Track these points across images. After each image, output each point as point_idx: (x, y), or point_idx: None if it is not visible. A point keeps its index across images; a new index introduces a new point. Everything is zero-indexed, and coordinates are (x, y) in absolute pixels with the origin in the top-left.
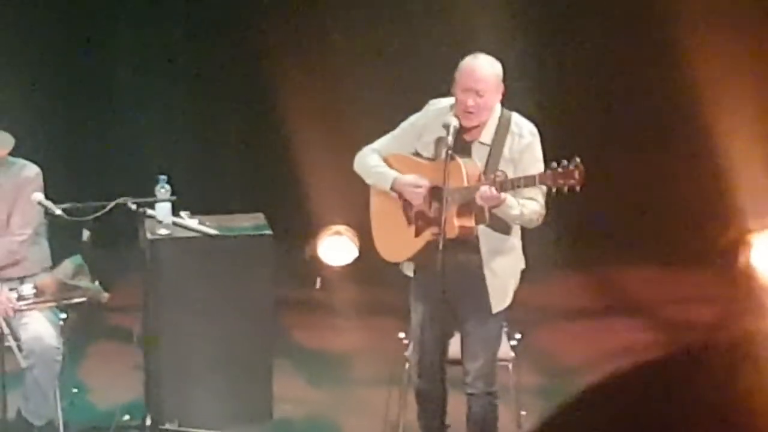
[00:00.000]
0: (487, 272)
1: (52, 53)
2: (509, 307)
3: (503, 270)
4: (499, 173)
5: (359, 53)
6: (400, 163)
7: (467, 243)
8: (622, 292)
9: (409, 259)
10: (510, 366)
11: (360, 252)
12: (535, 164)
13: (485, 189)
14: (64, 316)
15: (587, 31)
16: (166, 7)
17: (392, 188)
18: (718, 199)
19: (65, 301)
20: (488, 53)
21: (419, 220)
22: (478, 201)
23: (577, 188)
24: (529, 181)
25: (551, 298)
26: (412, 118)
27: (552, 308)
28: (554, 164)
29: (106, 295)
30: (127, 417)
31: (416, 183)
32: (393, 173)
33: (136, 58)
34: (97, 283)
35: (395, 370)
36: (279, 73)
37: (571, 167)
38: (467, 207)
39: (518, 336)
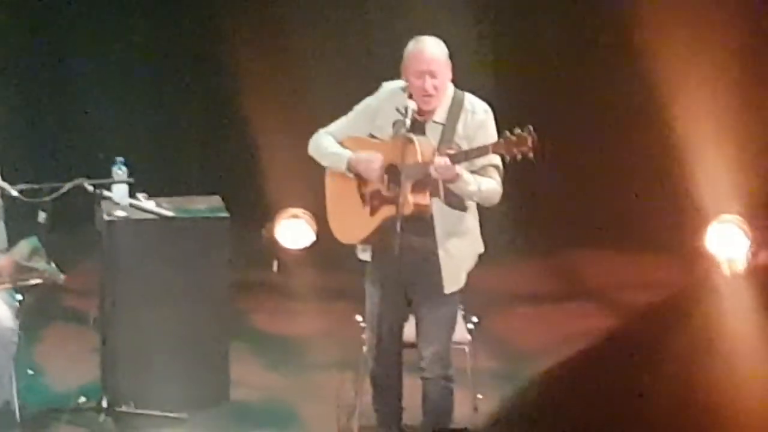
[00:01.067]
0: (441, 253)
1: (8, 35)
2: (465, 290)
3: (458, 251)
4: (452, 146)
5: (314, 36)
6: (356, 145)
7: (422, 223)
8: (579, 277)
9: (364, 241)
10: (467, 349)
11: (317, 236)
12: (489, 140)
13: (439, 160)
14: (20, 297)
15: (548, 12)
16: None
17: (348, 168)
18: (675, 184)
19: (21, 283)
20: (446, 35)
21: (374, 199)
22: (433, 173)
23: (531, 155)
24: (483, 151)
25: (508, 283)
26: (366, 101)
27: (509, 292)
28: (507, 133)
29: (62, 276)
30: (83, 399)
31: (371, 159)
32: (348, 153)
33: (93, 39)
34: (53, 264)
35: (351, 354)
36: (236, 56)
37: (525, 134)
38: (422, 183)
39: (475, 319)
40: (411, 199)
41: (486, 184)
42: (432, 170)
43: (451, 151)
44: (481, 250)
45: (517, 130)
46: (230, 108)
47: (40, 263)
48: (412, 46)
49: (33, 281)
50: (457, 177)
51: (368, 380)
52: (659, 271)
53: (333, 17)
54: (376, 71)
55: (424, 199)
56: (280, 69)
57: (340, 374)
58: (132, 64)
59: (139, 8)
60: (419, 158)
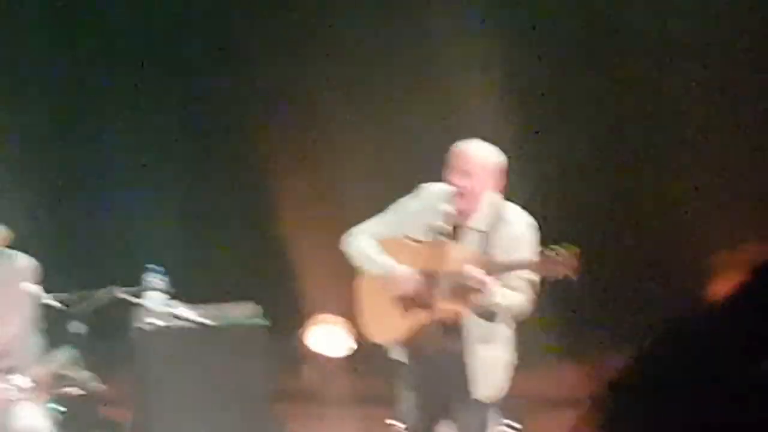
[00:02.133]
0: (470, 359)
1: (43, 142)
2: (506, 396)
3: (488, 357)
4: (487, 256)
5: (351, 139)
6: (393, 246)
7: (454, 329)
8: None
9: (396, 342)
10: None
11: (353, 342)
12: (526, 255)
13: (474, 269)
14: (62, 408)
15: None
16: (157, 89)
17: (386, 280)
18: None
19: (59, 393)
20: (486, 140)
21: (408, 302)
22: (467, 280)
23: (573, 277)
24: (521, 266)
25: (550, 388)
26: (404, 201)
27: (550, 397)
28: (548, 249)
29: (99, 386)
30: None
31: (411, 277)
32: (388, 262)
33: (129, 143)
34: (89, 374)
35: None
36: (271, 158)
37: (565, 254)
38: (456, 291)
39: (518, 426)
40: (444, 306)
41: (514, 300)
42: (466, 279)
43: (487, 263)
44: (513, 360)
45: (558, 248)
46: (264, 212)
47: (77, 372)
48: (458, 145)
49: (71, 391)
50: (485, 287)
51: None
52: None
53: (369, 119)
54: (413, 175)
55: (457, 306)
56: (317, 171)
57: None
58: (167, 170)
59: (173, 112)
60: (455, 265)
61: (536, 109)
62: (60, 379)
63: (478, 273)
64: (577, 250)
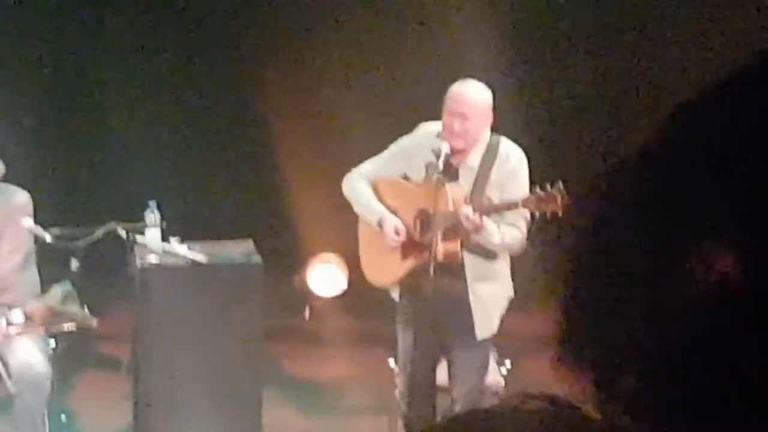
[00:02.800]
0: (471, 297)
1: (42, 79)
2: (498, 335)
3: (489, 296)
4: (484, 193)
5: (349, 79)
6: (389, 187)
7: (452, 268)
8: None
9: (396, 284)
10: (500, 394)
11: (349, 282)
12: (521, 190)
13: (467, 210)
14: (53, 344)
15: (580, 58)
16: (155, 35)
17: (378, 225)
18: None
19: (54, 328)
20: (481, 78)
21: (405, 245)
22: (462, 222)
23: (560, 214)
24: (511, 206)
25: (541, 328)
26: (401, 141)
27: (542, 337)
28: (537, 188)
29: (94, 321)
30: None
31: (396, 230)
32: (380, 209)
33: (127, 83)
34: (86, 309)
35: (384, 398)
36: (268, 99)
37: (554, 192)
38: (452, 232)
39: (508, 364)
40: (442, 247)
41: (510, 235)
42: (461, 220)
43: (482, 202)
44: (512, 294)
45: (548, 187)
46: (262, 149)
47: (72, 308)
48: (454, 87)
49: (66, 326)
50: (481, 228)
51: (402, 424)
52: None
53: (368, 59)
54: (413, 113)
55: (454, 246)
56: (314, 112)
57: (373, 419)
58: (165, 109)
59: (172, 50)
60: (450, 206)
61: (528, 47)
62: (56, 315)
63: (473, 215)
64: (562, 187)
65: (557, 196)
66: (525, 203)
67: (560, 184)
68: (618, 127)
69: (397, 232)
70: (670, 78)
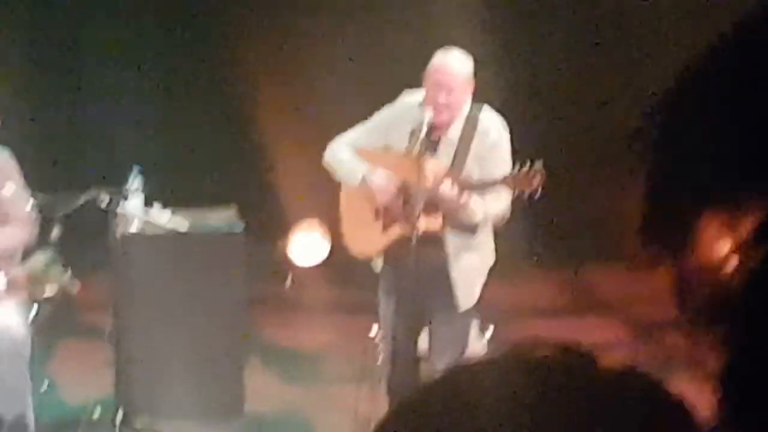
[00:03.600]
0: (453, 270)
1: (23, 41)
2: (480, 302)
3: (470, 267)
4: (463, 168)
5: (331, 45)
6: (371, 158)
7: (433, 241)
8: (593, 290)
9: (377, 255)
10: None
11: (331, 250)
12: (502, 164)
13: (445, 189)
14: (35, 311)
15: (560, 26)
16: (138, 1)
17: (361, 184)
18: None
19: (36, 294)
20: (462, 45)
21: (387, 216)
22: (442, 198)
23: (536, 196)
24: (489, 185)
25: (523, 295)
26: (384, 111)
27: (523, 305)
28: (516, 167)
29: (77, 284)
30: (98, 413)
31: (386, 182)
32: (362, 169)
33: (107, 47)
34: (68, 272)
35: (366, 366)
36: (251, 65)
37: (531, 172)
38: (433, 206)
39: (490, 332)
40: (423, 222)
41: (493, 208)
42: (441, 196)
43: (461, 179)
44: (491, 262)
45: (527, 167)
46: (245, 116)
47: (54, 273)
48: (437, 57)
49: (48, 292)
50: (462, 207)
51: (383, 392)
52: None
53: (350, 25)
54: (395, 81)
55: (435, 222)
56: (297, 77)
57: (355, 386)
58: (146, 73)
59: (153, 14)
60: (430, 180)
61: (511, 16)
62: (38, 280)
63: (453, 195)
64: (541, 167)
65: (537, 175)
66: (504, 182)
67: (539, 163)
68: (601, 96)
69: (386, 186)
70: (656, 48)
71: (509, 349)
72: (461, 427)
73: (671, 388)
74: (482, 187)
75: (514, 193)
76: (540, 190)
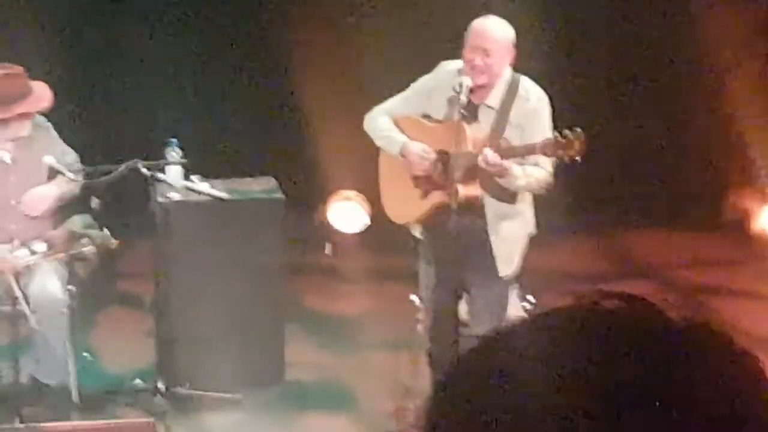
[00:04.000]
0: (492, 236)
1: (62, 19)
2: (520, 270)
3: (510, 234)
4: (504, 134)
5: (369, 15)
6: (410, 126)
7: (473, 208)
8: (633, 256)
9: (416, 222)
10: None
11: (371, 218)
12: (542, 131)
13: (488, 153)
14: (71, 288)
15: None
16: None
17: (400, 153)
18: (731, 164)
19: (74, 252)
20: (503, 16)
21: (426, 183)
22: (482, 165)
23: (578, 158)
24: (530, 150)
25: (563, 263)
26: (423, 80)
27: (564, 272)
28: (555, 133)
29: (114, 242)
30: (139, 381)
31: (423, 154)
32: (402, 138)
33: (144, 20)
34: (105, 231)
35: (406, 334)
36: (288, 36)
37: (572, 137)
38: (473, 173)
39: (531, 299)
40: (462, 189)
41: (535, 175)
42: (481, 162)
43: (502, 146)
44: (533, 231)
45: (566, 132)
46: (283, 88)
47: (92, 231)
48: (476, 22)
49: (86, 248)
50: (505, 172)
51: (424, 359)
52: (713, 250)
53: None
54: (434, 50)
55: (474, 189)
56: (334, 48)
57: (395, 354)
58: (184, 46)
59: None
60: (470, 147)
61: None
62: (76, 238)
63: (494, 159)
64: (581, 133)
65: (575, 141)
66: (542, 148)
67: (578, 130)
68: (639, 63)
69: (424, 156)
70: (695, 12)
71: (573, 302)
72: (528, 382)
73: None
74: (523, 152)
75: (555, 158)
76: (581, 154)
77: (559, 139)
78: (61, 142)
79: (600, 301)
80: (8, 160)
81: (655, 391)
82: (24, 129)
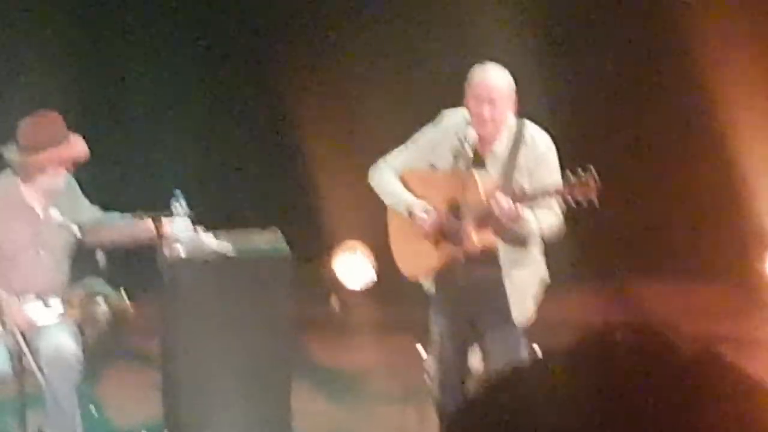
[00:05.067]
0: (508, 285)
1: (67, 69)
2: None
3: (523, 281)
4: (513, 181)
5: (372, 67)
6: (417, 179)
7: (486, 256)
8: (641, 306)
9: (429, 274)
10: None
11: (377, 271)
12: (551, 175)
13: (501, 199)
14: (87, 332)
15: (604, 39)
16: (178, 24)
17: (408, 214)
18: (736, 212)
19: (90, 314)
20: (502, 62)
21: (437, 234)
22: (496, 211)
23: (594, 199)
24: (545, 193)
25: (570, 312)
26: (426, 130)
27: (570, 322)
28: (568, 174)
29: (128, 305)
30: None
31: (430, 218)
32: (408, 198)
33: (150, 72)
34: (123, 294)
35: (414, 386)
36: (292, 87)
37: (586, 177)
38: (484, 220)
39: (537, 349)
40: (474, 237)
41: (547, 220)
42: (495, 209)
43: (515, 191)
44: (547, 279)
45: (580, 172)
46: (287, 137)
47: (107, 291)
48: (476, 71)
49: (101, 312)
50: (518, 217)
51: (432, 410)
52: (721, 299)
53: (390, 45)
54: (436, 100)
55: (487, 237)
56: (338, 98)
57: (403, 406)
58: (188, 96)
59: (197, 41)
60: (481, 194)
61: (550, 30)
62: (92, 297)
63: (508, 205)
64: (592, 169)
65: (591, 182)
66: (559, 191)
67: (592, 169)
68: (645, 108)
69: (426, 213)
70: (699, 59)
71: (583, 335)
72: (539, 416)
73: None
74: (535, 197)
75: (571, 201)
76: (597, 193)
77: (574, 180)
78: (83, 199)
79: (611, 332)
80: (39, 211)
81: (666, 420)
82: (60, 179)
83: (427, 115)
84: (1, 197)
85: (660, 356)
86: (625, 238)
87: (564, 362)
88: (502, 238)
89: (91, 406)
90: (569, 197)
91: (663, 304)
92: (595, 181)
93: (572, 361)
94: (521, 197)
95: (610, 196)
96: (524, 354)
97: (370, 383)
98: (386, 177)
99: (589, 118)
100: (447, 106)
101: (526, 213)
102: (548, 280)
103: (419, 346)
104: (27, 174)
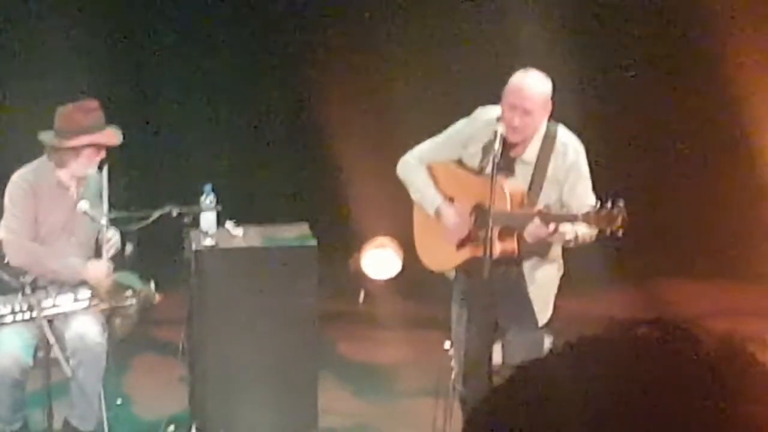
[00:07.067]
0: (530, 284)
1: (95, 62)
2: (553, 318)
3: (546, 281)
4: (543, 208)
5: (405, 63)
6: (445, 176)
7: (509, 259)
8: (668, 305)
9: (452, 269)
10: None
11: (403, 265)
12: (582, 182)
13: (535, 227)
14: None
15: (635, 46)
16: (211, 19)
17: (435, 215)
18: (766, 212)
19: (117, 304)
20: (537, 66)
21: (461, 239)
22: (527, 238)
23: (620, 234)
24: (572, 218)
25: (597, 310)
26: (459, 125)
27: (598, 320)
28: (597, 203)
29: (157, 297)
30: (172, 428)
31: (458, 222)
32: (437, 200)
33: (181, 67)
34: (152, 284)
35: (440, 381)
36: (323, 82)
37: (614, 212)
38: (510, 229)
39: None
40: (498, 245)
41: (582, 231)
42: (526, 235)
43: (543, 213)
44: (562, 272)
45: (608, 205)
46: (317, 134)
47: (137, 283)
48: (515, 78)
49: (129, 302)
50: (549, 236)
51: (458, 405)
52: (749, 300)
53: (425, 44)
54: (469, 97)
55: (511, 245)
56: (369, 95)
57: (428, 401)
58: (220, 93)
59: (227, 34)
60: (507, 203)
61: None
62: (120, 288)
63: (543, 231)
64: (623, 208)
65: (618, 216)
66: (586, 219)
67: (620, 204)
68: (675, 109)
69: (452, 218)
70: (728, 60)
71: (603, 330)
72: (561, 407)
73: None
74: (565, 219)
75: (596, 228)
76: (623, 228)
77: (601, 211)
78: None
79: (634, 327)
80: (73, 197)
81: (690, 414)
82: (92, 165)
83: (460, 111)
84: (39, 180)
85: (683, 350)
86: (655, 239)
87: (586, 354)
88: (526, 248)
89: (118, 399)
90: (594, 224)
91: (690, 304)
92: (623, 217)
93: (595, 353)
94: (552, 218)
95: (639, 196)
96: (544, 351)
97: (397, 378)
98: (415, 171)
99: (619, 121)
100: (480, 104)
101: (562, 228)
102: (562, 272)
103: (446, 343)
104: (61, 159)
